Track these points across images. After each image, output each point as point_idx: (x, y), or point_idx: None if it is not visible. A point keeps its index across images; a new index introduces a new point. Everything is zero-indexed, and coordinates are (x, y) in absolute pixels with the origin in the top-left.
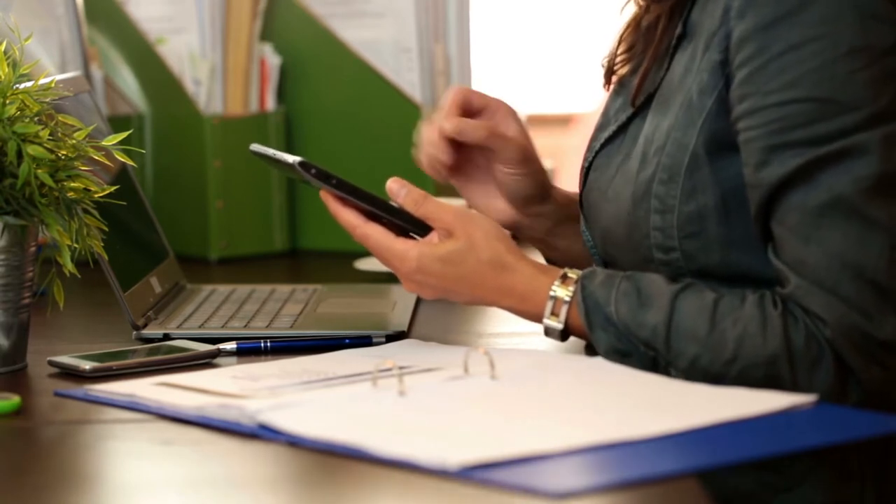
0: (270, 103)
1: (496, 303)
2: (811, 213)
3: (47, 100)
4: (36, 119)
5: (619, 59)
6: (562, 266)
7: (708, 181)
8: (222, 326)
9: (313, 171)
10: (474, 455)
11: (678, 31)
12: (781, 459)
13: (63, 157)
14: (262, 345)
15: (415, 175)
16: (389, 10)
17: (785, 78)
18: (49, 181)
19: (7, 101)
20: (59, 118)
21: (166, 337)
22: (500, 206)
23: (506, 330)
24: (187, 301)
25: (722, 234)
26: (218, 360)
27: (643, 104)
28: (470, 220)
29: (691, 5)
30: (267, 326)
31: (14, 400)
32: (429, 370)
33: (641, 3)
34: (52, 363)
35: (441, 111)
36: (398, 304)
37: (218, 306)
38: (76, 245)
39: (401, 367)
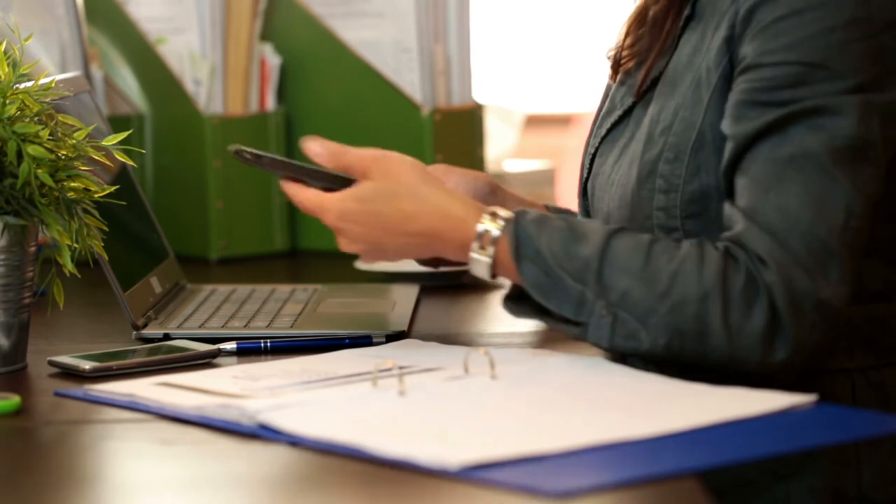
0: (270, 103)
1: (422, 241)
2: (777, 164)
3: (47, 100)
4: (36, 119)
5: (625, 52)
6: None
7: (712, 161)
8: (222, 326)
9: (247, 154)
10: (474, 455)
11: (686, 12)
12: None
13: (63, 157)
14: (262, 345)
15: None
16: (389, 10)
17: (782, 41)
18: (49, 181)
19: (7, 101)
20: (59, 118)
21: (166, 337)
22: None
23: (506, 330)
24: (187, 301)
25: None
26: (218, 360)
27: (649, 87)
28: (386, 159)
29: None
30: (267, 326)
31: (14, 400)
32: (429, 370)
33: None
34: (52, 363)
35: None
36: (398, 304)
37: (218, 306)
38: (76, 245)
39: (401, 367)
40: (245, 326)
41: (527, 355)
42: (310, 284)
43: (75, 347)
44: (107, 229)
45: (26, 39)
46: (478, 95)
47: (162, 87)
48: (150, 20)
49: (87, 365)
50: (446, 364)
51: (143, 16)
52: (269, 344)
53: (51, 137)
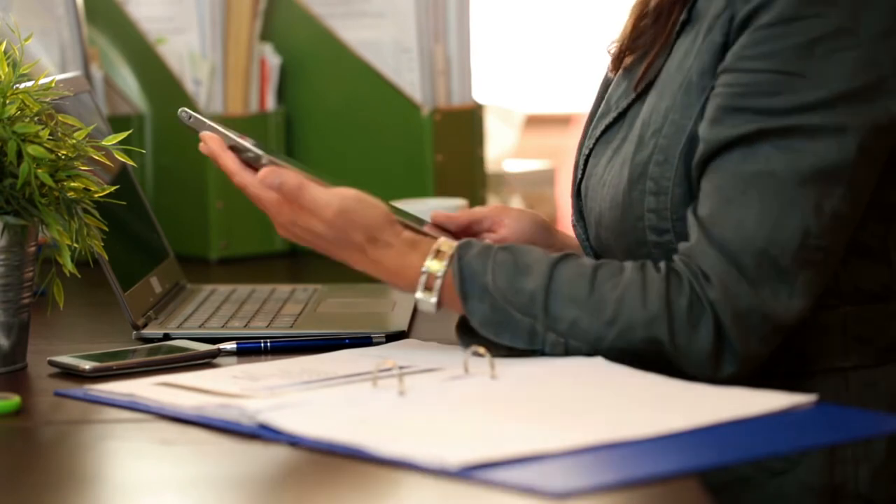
0: (270, 103)
1: (371, 267)
2: (741, 178)
3: (47, 100)
4: (36, 119)
5: (628, 45)
6: None
7: None
8: (222, 326)
9: (191, 119)
10: (474, 455)
11: (683, 16)
12: None
13: (63, 157)
14: (262, 345)
15: (414, 174)
16: (389, 10)
17: (764, 48)
18: (49, 181)
19: (7, 101)
20: (59, 118)
21: (166, 337)
22: None
23: None
24: (187, 301)
25: None
26: (218, 360)
27: (643, 90)
28: (346, 196)
29: None
30: (267, 326)
31: (14, 400)
32: (429, 370)
33: None
34: (52, 363)
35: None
36: (398, 304)
37: (218, 306)
38: (76, 245)
39: (401, 367)
40: (245, 326)
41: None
42: (310, 284)
43: (75, 347)
44: (107, 229)
45: (26, 39)
46: (478, 95)
47: (162, 87)
48: (150, 20)
49: (87, 365)
50: (446, 364)
51: (143, 16)
52: (268, 344)
53: (51, 137)
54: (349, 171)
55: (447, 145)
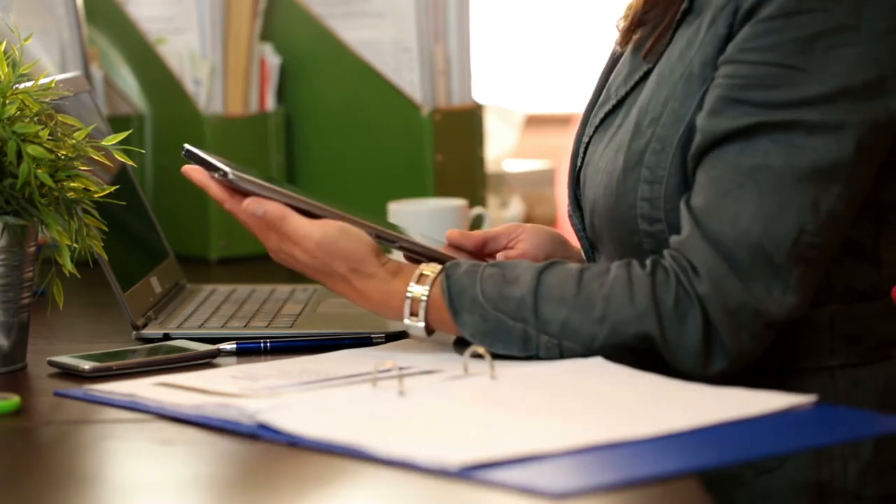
0: (270, 103)
1: (358, 304)
2: (738, 171)
3: (47, 100)
4: (36, 119)
5: (640, 16)
6: None
7: None
8: (222, 326)
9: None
10: (474, 455)
11: (684, 5)
12: None
13: (63, 157)
14: (262, 345)
15: (413, 174)
16: (389, 10)
17: (766, 40)
18: (49, 181)
19: (7, 101)
20: (59, 118)
21: (166, 337)
22: None
23: None
24: (187, 301)
25: None
26: (218, 360)
27: (642, 77)
28: (329, 227)
29: None
30: (267, 326)
31: (14, 400)
32: (428, 371)
33: None
34: (51, 363)
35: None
36: None
37: (218, 306)
38: (76, 245)
39: (401, 368)
40: (245, 326)
41: None
42: (310, 284)
43: (75, 347)
44: (107, 229)
45: (26, 39)
46: (478, 95)
47: (162, 87)
48: (150, 20)
49: (86, 365)
50: (446, 364)
51: (143, 16)
52: (268, 344)
53: (51, 137)
54: (349, 171)
55: (447, 145)
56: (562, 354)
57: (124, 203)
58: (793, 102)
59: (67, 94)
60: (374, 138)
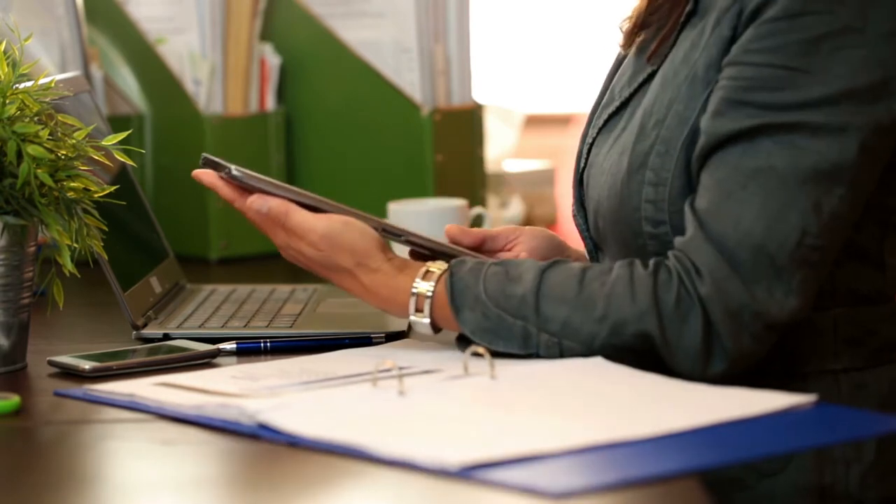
0: (270, 103)
1: (364, 300)
2: (741, 173)
3: (47, 100)
4: (36, 119)
5: (644, 17)
6: None
7: None
8: (222, 326)
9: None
10: (474, 455)
11: (688, 7)
12: None
13: (63, 157)
14: (262, 345)
15: (414, 174)
16: (389, 10)
17: (770, 42)
18: (49, 181)
19: (7, 101)
20: (59, 118)
21: (166, 337)
22: None
23: None
24: (187, 301)
25: None
26: (218, 360)
27: (646, 79)
28: (333, 221)
29: None
30: (267, 326)
31: (14, 400)
32: (428, 370)
33: None
34: (51, 363)
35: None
36: None
37: (218, 306)
38: (76, 245)
39: (401, 368)
40: (245, 326)
41: None
42: (310, 284)
43: (75, 347)
44: (107, 229)
45: (26, 39)
46: (478, 95)
47: (162, 87)
48: (150, 20)
49: (87, 365)
50: (446, 364)
51: (143, 16)
52: (268, 344)
53: (51, 137)
54: (349, 171)
55: (447, 145)
56: (562, 353)
57: (124, 203)
58: (796, 104)
59: (67, 94)
60: (374, 138)
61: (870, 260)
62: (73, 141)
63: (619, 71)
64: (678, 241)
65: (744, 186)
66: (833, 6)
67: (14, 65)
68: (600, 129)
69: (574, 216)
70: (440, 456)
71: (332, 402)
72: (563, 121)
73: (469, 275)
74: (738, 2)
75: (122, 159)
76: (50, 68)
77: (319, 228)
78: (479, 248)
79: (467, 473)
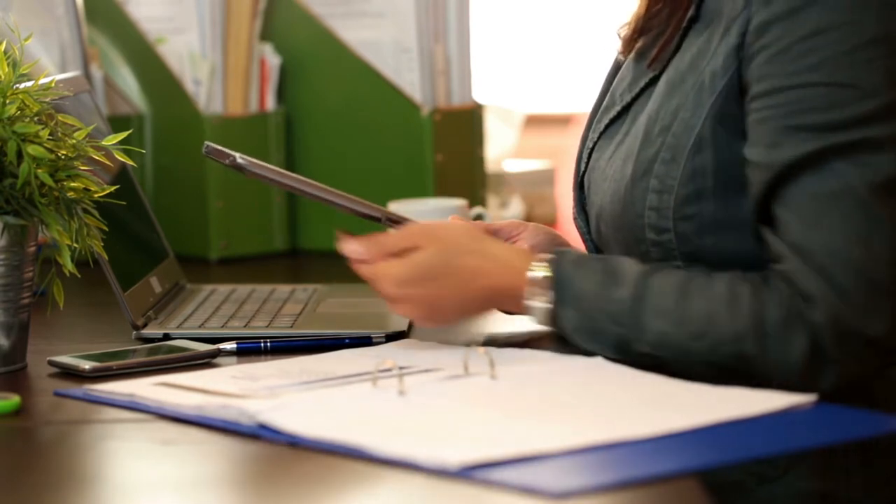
0: (270, 103)
1: (486, 295)
2: (819, 200)
3: (47, 100)
4: (36, 119)
5: (643, 23)
6: None
7: (709, 164)
8: (222, 326)
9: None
10: (474, 455)
11: (690, 13)
12: None
13: (63, 157)
14: (262, 345)
15: (414, 174)
16: (389, 10)
17: (806, 61)
18: (49, 181)
19: (7, 101)
20: (59, 118)
21: (166, 337)
22: None
23: (506, 330)
24: (187, 301)
25: (717, 217)
26: (218, 360)
27: (648, 84)
28: (431, 227)
29: None
30: (267, 326)
31: (14, 400)
32: (429, 370)
33: None
34: (51, 363)
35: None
36: None
37: (218, 306)
38: (76, 245)
39: (401, 367)
40: (245, 326)
41: (527, 355)
42: (310, 284)
43: (75, 347)
44: (107, 229)
45: (26, 39)
46: (478, 95)
47: (162, 87)
48: (150, 20)
49: (87, 365)
50: (446, 364)
51: (143, 16)
52: (268, 344)
53: (51, 137)
54: (349, 171)
55: (447, 145)
56: (655, 364)
57: (124, 203)
58: (854, 120)
59: (67, 94)
60: (374, 138)
61: None
62: (73, 141)
63: (619, 75)
64: (779, 268)
65: (825, 214)
66: (855, 17)
67: (14, 65)
68: (601, 133)
69: (575, 219)
70: (440, 456)
71: (332, 402)
72: (563, 121)
73: (571, 266)
74: (745, 10)
75: (122, 159)
76: (50, 68)
77: (414, 228)
78: None
79: (467, 473)
